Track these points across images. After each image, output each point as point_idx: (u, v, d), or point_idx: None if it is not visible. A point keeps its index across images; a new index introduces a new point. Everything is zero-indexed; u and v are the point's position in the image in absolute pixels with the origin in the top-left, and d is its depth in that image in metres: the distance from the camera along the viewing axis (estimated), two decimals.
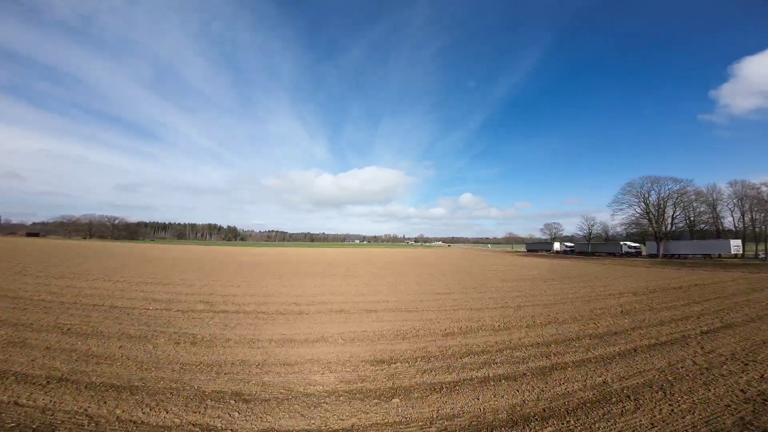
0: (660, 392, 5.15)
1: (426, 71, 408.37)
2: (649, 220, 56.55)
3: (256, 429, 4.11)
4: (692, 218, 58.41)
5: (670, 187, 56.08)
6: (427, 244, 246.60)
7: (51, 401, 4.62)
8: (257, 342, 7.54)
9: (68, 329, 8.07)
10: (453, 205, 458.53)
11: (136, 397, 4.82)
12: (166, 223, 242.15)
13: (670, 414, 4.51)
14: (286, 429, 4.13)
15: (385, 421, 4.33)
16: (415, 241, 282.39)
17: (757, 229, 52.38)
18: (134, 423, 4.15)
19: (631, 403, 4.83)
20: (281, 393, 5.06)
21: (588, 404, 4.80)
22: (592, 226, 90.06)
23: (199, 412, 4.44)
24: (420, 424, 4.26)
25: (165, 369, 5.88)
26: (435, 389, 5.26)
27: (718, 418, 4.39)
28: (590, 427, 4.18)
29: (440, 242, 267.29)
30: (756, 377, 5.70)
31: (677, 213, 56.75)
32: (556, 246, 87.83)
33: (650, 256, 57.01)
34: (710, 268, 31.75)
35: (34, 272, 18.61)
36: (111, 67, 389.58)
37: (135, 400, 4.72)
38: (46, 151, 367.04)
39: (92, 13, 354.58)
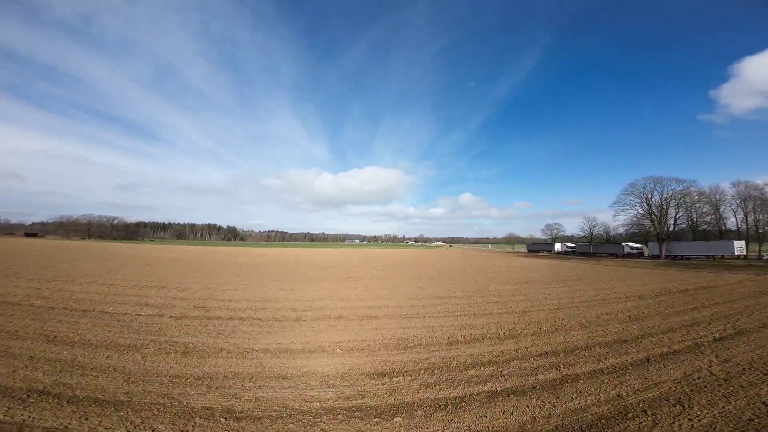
0: (678, 406, 4.89)
1: (426, 71, 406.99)
2: (652, 220, 56.26)
3: None
4: (695, 219, 58.09)
5: (673, 187, 55.87)
6: (427, 244, 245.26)
7: (29, 417, 4.39)
8: (251, 352, 7.22)
9: (55, 337, 7.77)
10: (453, 205, 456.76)
11: (120, 413, 4.56)
12: (166, 223, 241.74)
13: (690, 430, 4.26)
14: None
15: None
16: (415, 241, 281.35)
17: (760, 230, 51.88)
18: None
19: (649, 418, 4.58)
20: (275, 410, 4.75)
21: (603, 420, 4.53)
22: (594, 226, 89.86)
23: (187, 431, 4.14)
24: None
25: (153, 382, 5.59)
26: (440, 406, 4.95)
27: None
28: None
29: (440, 242, 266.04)
30: None
31: (680, 214, 56.52)
32: (557, 246, 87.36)
33: (653, 257, 56.70)
34: (715, 269, 31.44)
35: (27, 275, 18.31)
36: (111, 67, 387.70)
37: (119, 417, 4.46)
38: (46, 151, 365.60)
39: (92, 13, 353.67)
